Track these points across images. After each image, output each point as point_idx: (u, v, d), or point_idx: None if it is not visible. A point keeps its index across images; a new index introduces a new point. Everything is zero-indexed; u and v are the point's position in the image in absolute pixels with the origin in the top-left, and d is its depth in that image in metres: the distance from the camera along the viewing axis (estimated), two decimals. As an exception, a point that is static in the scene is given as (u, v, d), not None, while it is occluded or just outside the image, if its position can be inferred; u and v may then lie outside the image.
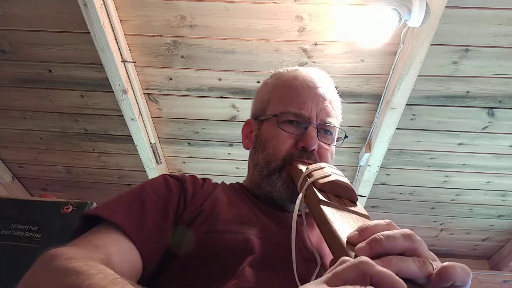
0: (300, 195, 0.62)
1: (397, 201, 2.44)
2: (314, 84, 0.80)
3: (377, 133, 1.90)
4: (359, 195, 2.23)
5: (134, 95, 1.90)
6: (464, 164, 2.13)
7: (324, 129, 0.79)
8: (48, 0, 1.63)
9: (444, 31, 1.56)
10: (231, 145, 2.21)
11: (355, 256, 0.39)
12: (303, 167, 0.69)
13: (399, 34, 1.58)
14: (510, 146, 2.01)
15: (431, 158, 2.12)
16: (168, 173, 0.72)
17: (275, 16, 1.61)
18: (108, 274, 0.45)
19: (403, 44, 1.60)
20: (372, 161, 2.02)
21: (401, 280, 0.34)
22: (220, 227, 0.65)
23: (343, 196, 0.59)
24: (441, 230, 2.63)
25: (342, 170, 2.53)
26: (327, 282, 0.35)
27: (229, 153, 2.27)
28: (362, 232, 0.43)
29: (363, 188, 2.19)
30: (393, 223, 0.44)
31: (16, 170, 2.57)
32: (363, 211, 0.56)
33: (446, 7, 1.42)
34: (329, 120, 0.79)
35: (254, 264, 0.60)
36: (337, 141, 0.84)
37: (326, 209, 0.53)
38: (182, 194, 0.70)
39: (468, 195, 2.32)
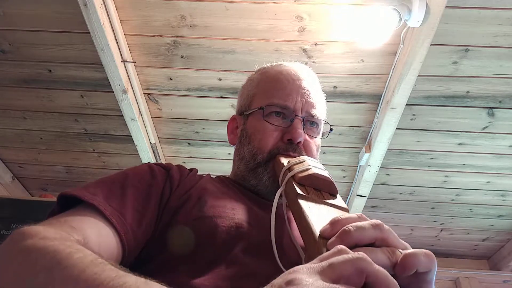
0: (280, 189, 0.62)
1: (397, 201, 2.44)
2: (298, 77, 0.81)
3: (377, 133, 1.90)
4: (359, 195, 2.23)
5: (134, 95, 1.90)
6: (464, 164, 2.13)
7: (310, 122, 0.79)
8: (48, 0, 1.63)
9: (444, 31, 1.56)
10: (231, 145, 2.21)
11: (327, 251, 0.38)
12: (284, 161, 0.69)
13: (399, 34, 1.58)
14: (510, 146, 2.01)
15: (431, 158, 2.12)
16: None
17: (275, 16, 1.61)
18: (87, 254, 0.42)
19: (403, 44, 1.60)
20: (372, 161, 2.02)
21: (395, 281, 0.34)
22: (210, 212, 0.63)
23: (322, 189, 0.59)
24: (441, 230, 2.63)
25: (342, 170, 2.51)
26: (321, 272, 0.34)
27: (229, 153, 2.27)
28: (334, 225, 0.43)
29: (363, 188, 2.19)
30: (364, 215, 0.44)
31: (16, 170, 2.57)
32: (342, 204, 0.56)
33: (446, 7, 1.42)
34: (315, 112, 0.79)
35: (245, 249, 0.59)
36: (322, 134, 0.85)
37: (303, 203, 0.52)
38: (168, 181, 0.68)
39: (468, 195, 2.32)
